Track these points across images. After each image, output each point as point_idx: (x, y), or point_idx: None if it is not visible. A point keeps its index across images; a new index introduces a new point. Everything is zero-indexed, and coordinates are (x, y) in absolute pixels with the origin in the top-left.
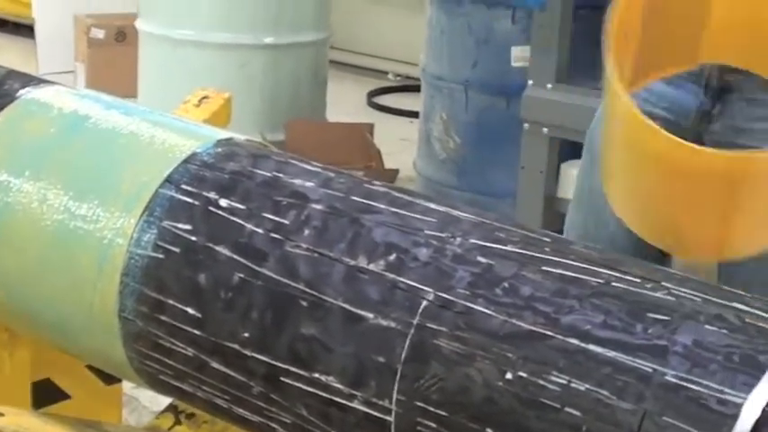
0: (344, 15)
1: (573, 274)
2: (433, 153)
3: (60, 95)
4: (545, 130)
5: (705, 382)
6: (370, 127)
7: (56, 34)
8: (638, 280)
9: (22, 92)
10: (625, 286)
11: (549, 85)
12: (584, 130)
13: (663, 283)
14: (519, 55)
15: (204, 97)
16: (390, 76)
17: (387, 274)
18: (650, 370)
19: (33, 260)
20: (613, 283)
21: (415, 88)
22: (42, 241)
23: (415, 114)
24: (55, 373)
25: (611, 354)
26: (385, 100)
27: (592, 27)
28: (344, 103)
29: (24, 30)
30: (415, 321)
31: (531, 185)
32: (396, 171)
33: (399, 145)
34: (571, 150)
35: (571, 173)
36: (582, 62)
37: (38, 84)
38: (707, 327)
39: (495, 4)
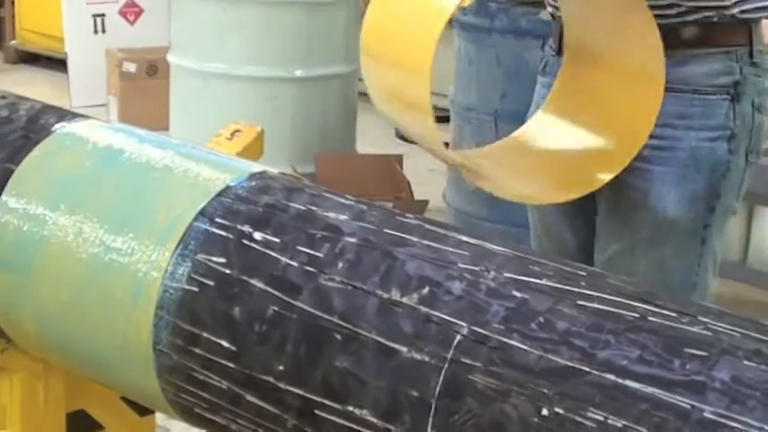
0: None
1: (609, 309)
2: (463, 184)
3: (95, 129)
4: None
5: (744, 419)
6: (400, 158)
7: (88, 68)
8: (675, 314)
9: (56, 126)
10: (661, 321)
11: None
12: None
13: (700, 318)
14: None
15: (236, 131)
16: None
17: (420, 307)
18: (688, 406)
19: (69, 293)
20: (650, 318)
21: (444, 119)
22: (78, 274)
23: (444, 145)
24: (89, 403)
25: (649, 390)
26: None
27: None
28: (373, 134)
29: (57, 64)
30: (449, 356)
31: None
32: (425, 202)
33: (428, 176)
34: None
35: None
36: None
37: (72, 118)
38: (745, 362)
39: (523, 35)
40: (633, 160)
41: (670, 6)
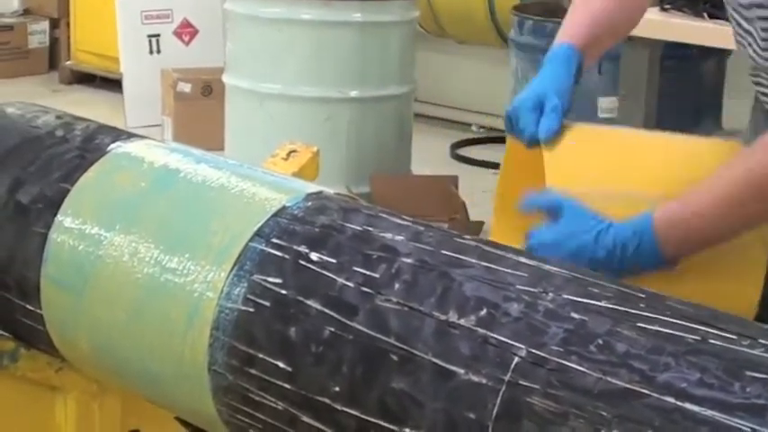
0: (428, 68)
1: (668, 331)
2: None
3: (150, 149)
4: None
5: None
6: (455, 179)
7: (143, 88)
8: (735, 337)
9: (112, 146)
10: (722, 343)
11: None
12: None
13: (760, 341)
14: (606, 106)
15: (292, 151)
16: (474, 127)
17: (478, 329)
18: (749, 430)
19: (124, 313)
20: (710, 340)
21: (499, 140)
22: (133, 294)
23: (498, 166)
24: (144, 423)
25: (709, 413)
26: (468, 151)
27: (678, 77)
28: (428, 155)
29: (112, 84)
30: (506, 378)
31: None
32: (481, 223)
33: (483, 197)
34: None
35: None
36: (668, 112)
37: (128, 138)
38: None
39: None
40: None
41: None
